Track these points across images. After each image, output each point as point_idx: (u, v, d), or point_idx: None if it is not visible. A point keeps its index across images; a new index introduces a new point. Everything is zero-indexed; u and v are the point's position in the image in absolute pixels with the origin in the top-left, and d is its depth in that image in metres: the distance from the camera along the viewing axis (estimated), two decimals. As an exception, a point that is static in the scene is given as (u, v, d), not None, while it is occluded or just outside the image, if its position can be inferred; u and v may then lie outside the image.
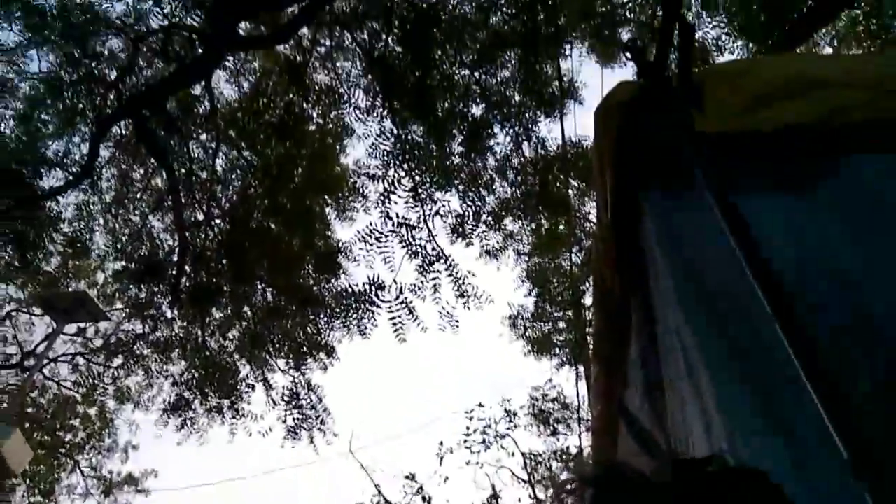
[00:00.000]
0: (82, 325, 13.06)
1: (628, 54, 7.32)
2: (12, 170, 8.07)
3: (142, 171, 10.00)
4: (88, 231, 9.93)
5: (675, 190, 1.49)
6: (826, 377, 0.89)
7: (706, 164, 1.36)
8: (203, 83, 8.36)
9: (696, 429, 1.34)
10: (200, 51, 7.87)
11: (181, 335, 10.46)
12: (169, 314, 10.23)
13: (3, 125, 8.51)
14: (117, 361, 12.62)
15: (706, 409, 1.26)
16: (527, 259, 10.26)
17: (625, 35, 7.98)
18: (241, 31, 7.77)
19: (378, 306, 8.45)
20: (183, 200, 9.04)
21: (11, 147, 8.32)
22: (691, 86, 1.59)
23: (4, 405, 13.61)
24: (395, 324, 7.98)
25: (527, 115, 8.18)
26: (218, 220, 9.71)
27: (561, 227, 9.15)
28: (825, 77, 1.57)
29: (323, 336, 9.95)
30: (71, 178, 8.67)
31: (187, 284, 9.41)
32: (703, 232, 1.30)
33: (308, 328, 10.12)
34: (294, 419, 9.87)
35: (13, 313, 14.73)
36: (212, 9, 7.07)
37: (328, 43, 8.68)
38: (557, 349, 11.80)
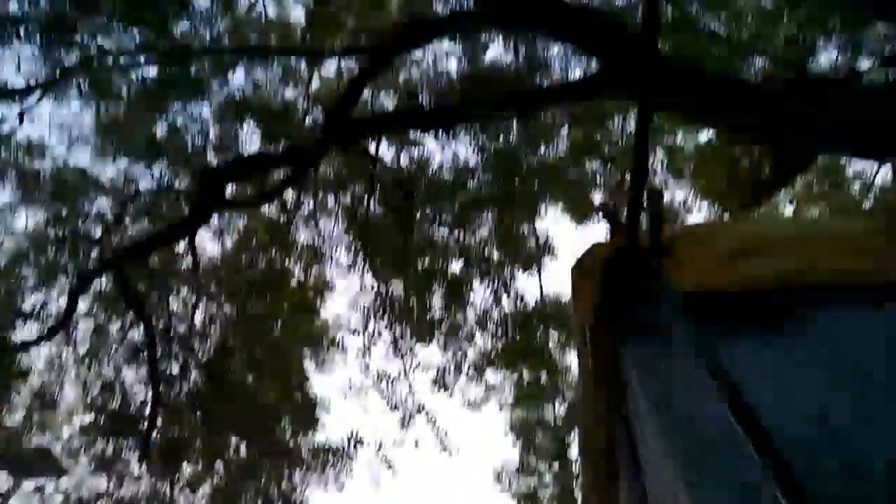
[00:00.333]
0: (42, 481, 12.38)
1: (601, 215, 7.68)
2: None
3: (119, 323, 9.92)
4: (58, 383, 9.71)
5: (654, 343, 1.54)
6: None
7: (681, 319, 1.44)
8: (187, 240, 8.50)
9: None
10: (186, 211, 8.07)
11: (149, 491, 10.00)
12: (137, 469, 9.83)
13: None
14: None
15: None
16: (510, 410, 10.14)
17: (597, 197, 8.38)
18: (227, 193, 8.02)
19: (356, 461, 8.29)
20: (159, 354, 8.93)
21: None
22: (663, 246, 1.69)
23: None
24: (374, 480, 7.81)
25: (505, 270, 8.40)
26: (194, 373, 9.55)
27: (542, 378, 9.13)
28: (789, 237, 1.70)
29: (299, 492, 9.59)
30: (45, 331, 8.57)
31: (158, 438, 9.11)
32: (684, 382, 1.34)
33: (283, 484, 9.74)
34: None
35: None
36: (200, 175, 7.33)
37: (311, 204, 8.98)
38: (545, 505, 11.41)
